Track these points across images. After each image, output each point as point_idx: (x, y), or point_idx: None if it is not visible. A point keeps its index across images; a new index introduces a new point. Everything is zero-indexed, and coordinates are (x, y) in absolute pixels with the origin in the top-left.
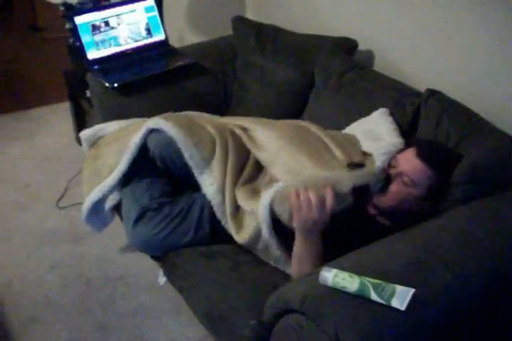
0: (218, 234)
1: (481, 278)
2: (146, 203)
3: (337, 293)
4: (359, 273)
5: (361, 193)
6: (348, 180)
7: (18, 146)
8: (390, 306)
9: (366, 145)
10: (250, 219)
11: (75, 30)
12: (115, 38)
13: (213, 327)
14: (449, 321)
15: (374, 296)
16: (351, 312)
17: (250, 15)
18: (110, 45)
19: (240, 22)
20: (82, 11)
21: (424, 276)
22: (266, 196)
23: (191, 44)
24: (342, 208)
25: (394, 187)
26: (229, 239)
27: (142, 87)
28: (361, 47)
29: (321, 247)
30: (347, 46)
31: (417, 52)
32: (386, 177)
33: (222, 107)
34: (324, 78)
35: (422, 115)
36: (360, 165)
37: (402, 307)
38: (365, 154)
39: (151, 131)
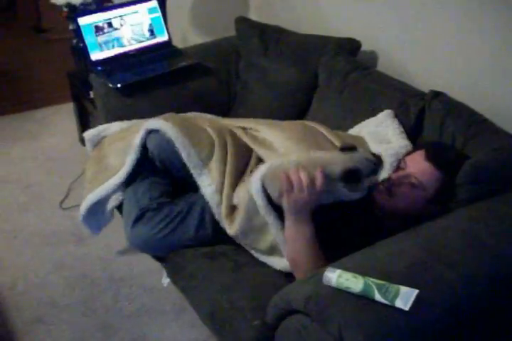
0: (220, 235)
1: (485, 278)
2: (145, 203)
3: (341, 294)
4: (363, 273)
5: (351, 176)
6: (338, 162)
7: (21, 147)
8: (394, 307)
9: (374, 147)
10: (242, 199)
11: (78, 31)
12: (118, 39)
13: (217, 327)
14: (453, 322)
15: (378, 297)
16: (355, 312)
17: (253, 15)
18: (113, 46)
19: (243, 23)
20: (85, 12)
21: (428, 277)
22: (258, 171)
23: (194, 45)
24: (355, 198)
25: (401, 190)
26: (230, 239)
27: (145, 88)
28: (364, 47)
29: (312, 227)
30: (350, 47)
31: (420, 52)
32: (389, 179)
33: (225, 108)
34: (328, 79)
35: (426, 116)
36: (352, 149)
37: (406, 308)
38: (374, 155)
39: (151, 131)
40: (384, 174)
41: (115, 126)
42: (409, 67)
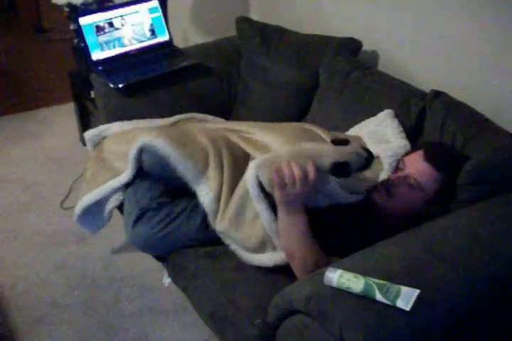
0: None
1: (486, 278)
2: (146, 203)
3: (342, 294)
4: (364, 273)
5: (340, 169)
6: (328, 154)
7: (22, 147)
8: (395, 307)
9: (372, 148)
10: (237, 190)
11: (79, 31)
12: (119, 39)
13: (218, 327)
14: (454, 322)
15: (379, 297)
16: (356, 312)
17: (254, 15)
18: (114, 46)
19: (244, 22)
20: (86, 12)
21: (430, 277)
22: (253, 162)
23: (195, 45)
24: (353, 201)
25: (400, 190)
26: None
27: (146, 88)
28: (366, 47)
29: (306, 218)
30: (351, 47)
31: (421, 52)
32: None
33: (226, 108)
34: (329, 78)
35: (427, 116)
36: (344, 143)
37: (407, 308)
38: (367, 150)
39: (144, 147)
40: (383, 175)
41: (116, 126)
42: (410, 67)
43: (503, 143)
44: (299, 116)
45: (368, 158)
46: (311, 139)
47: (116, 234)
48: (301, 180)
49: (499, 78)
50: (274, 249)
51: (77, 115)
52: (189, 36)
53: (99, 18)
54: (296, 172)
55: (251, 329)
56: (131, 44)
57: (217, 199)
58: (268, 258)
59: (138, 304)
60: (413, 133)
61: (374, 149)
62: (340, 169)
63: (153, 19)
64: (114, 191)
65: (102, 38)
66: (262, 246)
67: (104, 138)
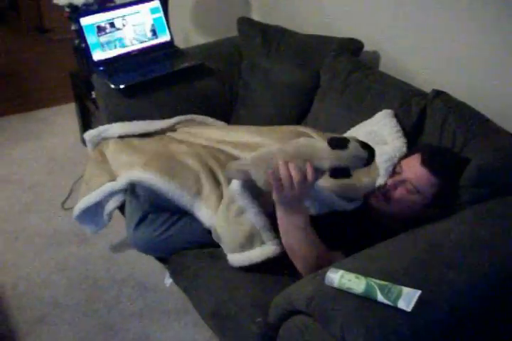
0: None
1: (487, 279)
2: (148, 205)
3: (343, 294)
4: (365, 274)
5: (339, 174)
6: (326, 157)
7: (24, 147)
8: (397, 307)
9: None
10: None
11: (80, 32)
12: (120, 39)
13: (219, 326)
14: (456, 322)
15: (380, 297)
16: (357, 313)
17: (256, 16)
18: (116, 47)
19: (246, 23)
20: (87, 13)
21: (431, 278)
22: (241, 160)
23: (197, 45)
24: (350, 208)
25: (398, 194)
26: None
27: (147, 89)
28: (367, 48)
29: (306, 216)
30: (353, 47)
31: (422, 52)
32: (385, 185)
33: (227, 108)
34: (330, 79)
35: (427, 116)
36: (342, 143)
37: (409, 309)
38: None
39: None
40: (380, 180)
41: (116, 127)
42: (411, 67)
43: (503, 144)
44: (300, 116)
45: (369, 158)
46: None
47: (117, 234)
48: (299, 182)
49: (500, 78)
50: (263, 243)
51: (78, 115)
52: (190, 37)
53: (100, 18)
54: (294, 174)
55: (252, 326)
56: (133, 44)
57: (216, 213)
58: (259, 253)
59: (139, 304)
60: (414, 133)
61: None
62: (340, 173)
63: (154, 19)
64: (113, 193)
65: (103, 39)
66: (249, 242)
67: (104, 138)
